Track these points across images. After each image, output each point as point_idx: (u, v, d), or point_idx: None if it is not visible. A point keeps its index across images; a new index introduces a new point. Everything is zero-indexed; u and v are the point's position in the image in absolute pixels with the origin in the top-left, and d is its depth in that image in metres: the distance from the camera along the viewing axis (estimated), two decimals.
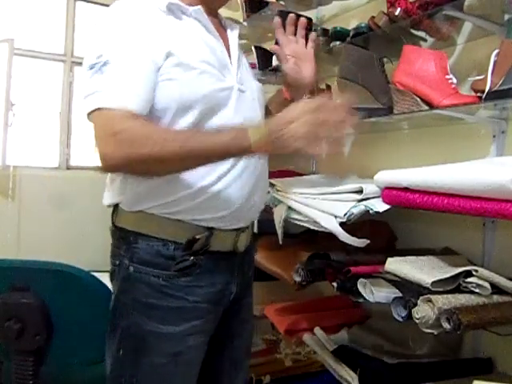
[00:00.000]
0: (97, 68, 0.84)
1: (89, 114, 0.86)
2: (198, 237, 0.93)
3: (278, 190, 1.46)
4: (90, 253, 2.20)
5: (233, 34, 1.06)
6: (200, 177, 0.91)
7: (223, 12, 1.12)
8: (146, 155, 0.81)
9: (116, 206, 0.99)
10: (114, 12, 0.91)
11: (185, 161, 0.85)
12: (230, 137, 0.82)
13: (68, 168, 2.88)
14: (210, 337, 1.00)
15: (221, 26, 1.06)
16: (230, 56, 1.01)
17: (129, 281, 0.94)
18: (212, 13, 1.03)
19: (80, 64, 2.90)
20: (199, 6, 0.97)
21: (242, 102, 0.99)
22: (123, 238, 0.96)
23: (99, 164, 0.85)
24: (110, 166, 0.86)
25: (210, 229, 0.95)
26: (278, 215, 1.41)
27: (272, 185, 1.46)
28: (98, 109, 0.83)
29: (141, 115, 0.85)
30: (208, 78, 0.92)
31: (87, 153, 2.93)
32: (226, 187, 0.94)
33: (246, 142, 0.81)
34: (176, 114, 0.90)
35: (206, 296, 0.96)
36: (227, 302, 1.03)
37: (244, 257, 1.06)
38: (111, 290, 1.01)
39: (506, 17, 1.14)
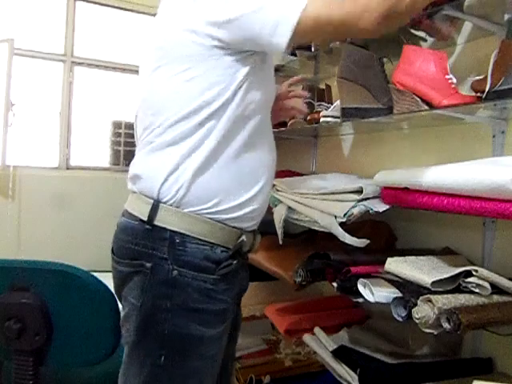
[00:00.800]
0: None
1: (302, 16, 0.82)
2: (239, 240, 0.95)
3: (277, 190, 1.46)
4: (90, 253, 2.20)
5: None
6: (256, 182, 0.96)
7: None
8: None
9: (156, 203, 0.91)
10: None
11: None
12: None
13: (68, 168, 2.88)
14: None
15: None
16: None
17: (173, 285, 0.90)
18: None
19: (80, 64, 2.91)
20: None
21: None
22: (165, 239, 0.90)
23: (363, 35, 0.85)
24: (374, 21, 0.81)
25: (243, 231, 0.97)
26: (278, 215, 1.41)
27: (272, 185, 1.46)
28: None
29: None
30: None
31: (87, 153, 2.93)
32: (265, 193, 0.99)
33: None
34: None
35: (235, 296, 0.99)
36: (240, 299, 1.07)
37: (246, 256, 1.08)
38: (111, 289, 1.00)
39: (506, 17, 1.14)
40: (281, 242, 1.42)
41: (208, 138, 0.89)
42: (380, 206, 1.15)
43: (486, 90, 1.03)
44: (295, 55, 1.75)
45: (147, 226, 0.91)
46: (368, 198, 1.18)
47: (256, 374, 1.70)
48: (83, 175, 2.80)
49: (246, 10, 0.84)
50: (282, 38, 0.84)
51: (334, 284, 1.20)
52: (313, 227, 1.29)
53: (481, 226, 1.24)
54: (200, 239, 0.91)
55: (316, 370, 1.63)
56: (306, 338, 1.47)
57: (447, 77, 1.17)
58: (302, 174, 1.82)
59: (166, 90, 0.91)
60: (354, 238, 1.17)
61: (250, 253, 1.06)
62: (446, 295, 0.95)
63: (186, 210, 0.90)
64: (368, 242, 1.18)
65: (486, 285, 0.96)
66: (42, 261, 1.10)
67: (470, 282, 0.98)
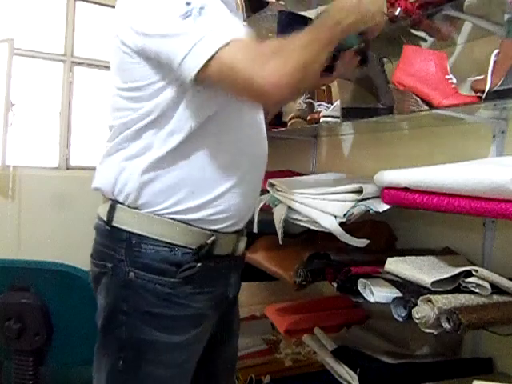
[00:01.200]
0: (195, 13, 0.77)
1: (210, 60, 0.77)
2: (208, 241, 0.90)
3: (277, 190, 1.45)
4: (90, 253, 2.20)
5: None
6: (220, 182, 0.90)
7: None
8: (303, 59, 0.79)
9: (113, 204, 0.90)
10: None
11: (326, 47, 0.84)
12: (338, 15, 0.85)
13: (68, 168, 2.88)
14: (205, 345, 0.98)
15: None
16: None
17: (129, 288, 0.88)
18: None
19: (80, 64, 2.91)
20: None
21: None
22: (122, 240, 0.89)
23: (261, 99, 0.83)
24: (279, 86, 0.78)
25: (215, 232, 0.91)
26: (278, 215, 1.41)
27: (272, 185, 1.46)
28: (227, 44, 0.76)
29: None
30: None
31: (87, 153, 2.93)
32: (237, 194, 0.92)
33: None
34: None
35: (207, 302, 0.94)
36: (224, 306, 1.00)
37: (237, 259, 1.02)
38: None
39: (506, 17, 1.14)
40: (281, 242, 1.42)
41: (154, 140, 0.87)
42: (380, 206, 1.15)
43: (486, 90, 1.03)
44: None
45: (107, 227, 0.90)
46: (368, 198, 1.18)
47: (256, 374, 1.70)
48: (83, 175, 2.80)
49: (161, 32, 0.80)
50: (188, 71, 0.78)
51: (334, 284, 1.20)
52: (313, 227, 1.29)
53: (481, 226, 1.24)
54: (158, 240, 0.87)
55: (316, 370, 1.63)
56: (306, 338, 1.47)
57: (447, 77, 1.17)
58: (302, 174, 1.82)
59: (115, 96, 0.92)
60: (354, 238, 1.17)
61: (235, 256, 0.99)
62: (445, 295, 0.95)
63: (144, 211, 0.88)
64: (368, 242, 1.18)
65: (486, 285, 0.96)
66: (41, 261, 1.10)
67: (469, 282, 0.97)
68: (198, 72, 0.77)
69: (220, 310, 0.99)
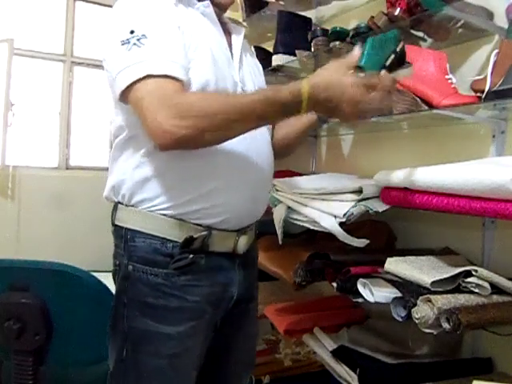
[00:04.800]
0: (133, 42, 0.84)
1: (129, 87, 0.83)
2: (195, 236, 0.92)
3: (277, 190, 1.45)
4: (90, 253, 2.20)
5: (237, 39, 1.05)
6: (207, 181, 0.92)
7: None
8: (211, 124, 0.81)
9: (116, 204, 0.98)
10: None
11: (246, 124, 0.85)
12: (285, 98, 0.83)
13: (68, 168, 2.88)
14: (208, 342, 0.98)
15: (225, 29, 1.05)
16: (232, 55, 1.01)
17: (128, 280, 0.93)
18: (217, 13, 1.02)
19: (80, 64, 2.91)
20: (208, 1, 0.98)
21: None
22: (122, 237, 0.95)
23: (157, 139, 0.83)
24: (174, 140, 0.81)
25: (209, 228, 0.93)
26: (278, 215, 1.41)
27: (272, 185, 1.46)
28: (147, 76, 0.81)
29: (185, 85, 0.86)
30: (220, 64, 0.94)
31: (87, 153, 2.93)
32: (230, 192, 0.94)
33: (298, 104, 0.83)
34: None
35: (205, 296, 0.95)
36: (227, 306, 1.01)
37: (247, 257, 1.04)
38: (111, 289, 1.00)
39: (507, 17, 1.14)
40: (281, 242, 1.42)
41: (142, 145, 0.92)
42: (380, 206, 1.15)
43: (486, 90, 1.03)
44: (295, 55, 1.75)
45: (113, 227, 0.99)
46: (368, 198, 1.18)
47: (256, 374, 1.70)
48: (83, 175, 2.80)
49: (104, 55, 0.91)
50: (114, 93, 0.88)
51: (334, 284, 1.20)
52: (313, 227, 1.29)
53: (481, 226, 1.24)
54: (150, 234, 0.92)
55: (316, 370, 1.63)
56: (306, 338, 1.47)
57: (447, 77, 1.17)
58: (301, 174, 1.82)
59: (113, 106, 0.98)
60: (354, 238, 1.17)
61: (237, 254, 1.00)
62: (445, 295, 0.95)
63: (139, 208, 0.93)
64: (368, 242, 1.18)
65: (486, 285, 0.96)
66: (41, 261, 1.10)
67: (469, 282, 0.98)
68: (121, 95, 0.85)
69: (222, 308, 1.00)
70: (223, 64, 0.96)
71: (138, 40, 0.84)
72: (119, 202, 0.97)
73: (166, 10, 0.90)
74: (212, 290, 0.96)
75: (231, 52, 1.01)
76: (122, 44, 0.84)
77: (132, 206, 0.94)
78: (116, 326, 0.95)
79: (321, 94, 0.83)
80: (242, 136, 0.89)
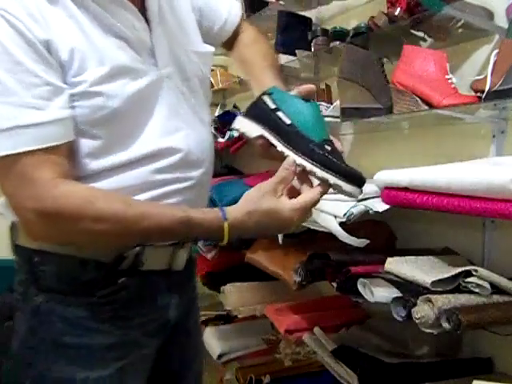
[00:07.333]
0: None
1: None
2: (126, 254, 0.74)
3: None
4: None
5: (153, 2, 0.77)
6: (134, 192, 0.75)
7: None
8: (93, 232, 0.67)
9: (15, 221, 0.77)
10: None
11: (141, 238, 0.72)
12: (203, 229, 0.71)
13: None
14: (147, 373, 0.84)
15: None
16: (150, 29, 0.77)
17: (37, 315, 0.74)
18: None
19: None
20: None
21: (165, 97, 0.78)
22: (26, 260, 0.75)
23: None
24: (36, 238, 0.70)
25: (141, 243, 0.76)
26: None
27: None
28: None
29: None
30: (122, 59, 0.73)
31: None
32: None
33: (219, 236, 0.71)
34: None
35: (139, 327, 0.79)
36: (166, 332, 0.85)
37: (183, 274, 0.87)
38: None
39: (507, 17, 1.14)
40: (281, 242, 1.42)
41: None
42: (380, 206, 1.15)
43: (486, 89, 1.03)
44: (295, 55, 1.75)
45: (13, 247, 0.79)
46: (368, 198, 1.18)
47: (256, 374, 1.70)
48: None
49: None
50: None
51: (334, 284, 1.20)
52: (313, 227, 1.29)
53: (481, 226, 1.24)
54: (64, 255, 0.73)
55: (316, 370, 1.63)
56: (306, 338, 1.47)
57: (447, 77, 1.17)
58: None
59: None
60: (354, 238, 1.17)
61: (174, 271, 0.83)
62: (445, 295, 0.95)
63: None
64: (368, 242, 1.18)
65: (486, 285, 0.96)
66: None
67: (469, 282, 0.97)
68: None
69: (160, 337, 0.85)
70: (127, 57, 0.73)
71: None
72: None
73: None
74: (147, 318, 0.80)
75: (146, 19, 0.77)
76: None
77: None
78: (20, 377, 0.74)
79: (247, 227, 0.72)
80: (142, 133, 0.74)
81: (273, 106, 0.78)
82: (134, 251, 0.75)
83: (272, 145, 0.78)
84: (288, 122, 0.77)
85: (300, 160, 0.74)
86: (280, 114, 0.77)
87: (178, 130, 0.79)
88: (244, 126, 0.81)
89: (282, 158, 0.76)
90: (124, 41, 0.73)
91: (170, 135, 0.78)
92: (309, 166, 0.74)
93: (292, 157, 0.75)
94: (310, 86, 0.83)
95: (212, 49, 0.91)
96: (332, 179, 0.73)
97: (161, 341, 0.85)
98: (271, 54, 0.99)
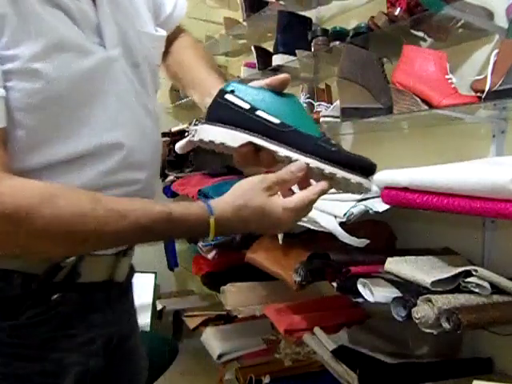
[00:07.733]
0: None
1: None
2: (62, 264, 0.63)
3: None
4: None
5: None
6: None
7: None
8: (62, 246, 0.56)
9: None
10: None
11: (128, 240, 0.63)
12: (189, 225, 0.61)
13: None
14: None
15: None
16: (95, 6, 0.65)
17: None
18: None
19: None
20: None
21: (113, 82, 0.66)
22: None
23: None
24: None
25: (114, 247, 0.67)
26: None
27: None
28: None
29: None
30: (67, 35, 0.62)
31: None
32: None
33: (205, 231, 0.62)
34: None
35: (76, 349, 0.67)
36: (107, 351, 0.72)
37: (122, 286, 0.76)
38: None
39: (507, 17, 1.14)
40: (281, 242, 1.42)
41: None
42: (380, 206, 1.15)
43: (486, 90, 1.03)
44: (295, 55, 1.75)
45: None
46: (368, 198, 1.18)
47: (256, 373, 1.70)
48: None
49: None
50: None
51: (334, 284, 1.20)
52: (313, 227, 1.29)
53: (481, 226, 1.24)
54: None
55: (316, 370, 1.63)
56: (306, 337, 1.47)
57: (447, 77, 1.17)
58: None
59: None
60: (354, 238, 1.17)
61: (115, 282, 0.73)
62: (445, 295, 0.95)
63: None
64: (368, 241, 1.18)
65: (486, 285, 0.96)
66: None
67: (469, 282, 0.97)
68: None
69: (100, 357, 0.71)
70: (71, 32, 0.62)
71: None
72: None
73: None
74: (84, 338, 0.68)
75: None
76: None
77: None
78: None
79: (233, 223, 0.63)
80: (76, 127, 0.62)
81: (246, 106, 0.65)
82: (70, 261, 0.64)
83: (260, 150, 0.67)
84: (276, 121, 0.65)
85: (315, 163, 0.64)
86: (261, 113, 0.65)
87: (124, 124, 0.67)
88: (218, 135, 0.65)
89: (269, 163, 0.68)
90: (64, 12, 0.61)
91: (115, 129, 0.66)
92: (322, 166, 0.64)
93: (303, 160, 0.64)
94: (285, 76, 0.69)
95: (165, 33, 0.79)
96: (351, 177, 0.67)
97: (102, 363, 0.71)
98: (211, 57, 0.92)
